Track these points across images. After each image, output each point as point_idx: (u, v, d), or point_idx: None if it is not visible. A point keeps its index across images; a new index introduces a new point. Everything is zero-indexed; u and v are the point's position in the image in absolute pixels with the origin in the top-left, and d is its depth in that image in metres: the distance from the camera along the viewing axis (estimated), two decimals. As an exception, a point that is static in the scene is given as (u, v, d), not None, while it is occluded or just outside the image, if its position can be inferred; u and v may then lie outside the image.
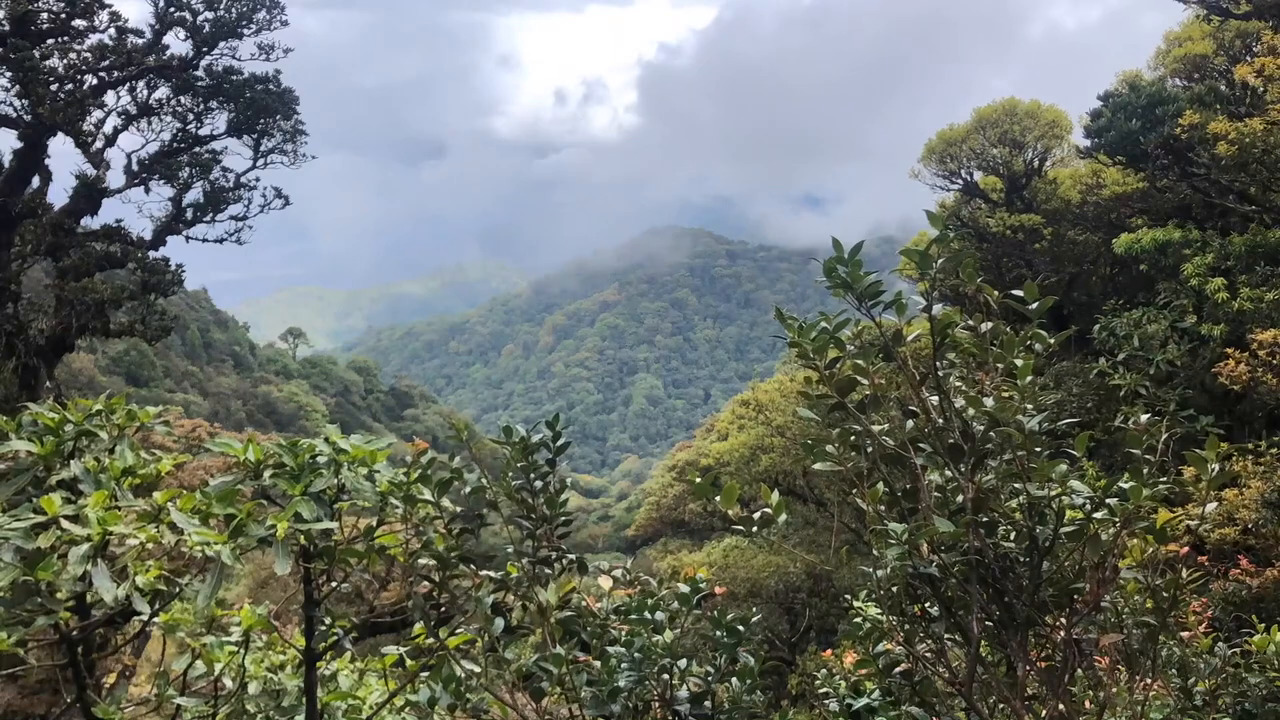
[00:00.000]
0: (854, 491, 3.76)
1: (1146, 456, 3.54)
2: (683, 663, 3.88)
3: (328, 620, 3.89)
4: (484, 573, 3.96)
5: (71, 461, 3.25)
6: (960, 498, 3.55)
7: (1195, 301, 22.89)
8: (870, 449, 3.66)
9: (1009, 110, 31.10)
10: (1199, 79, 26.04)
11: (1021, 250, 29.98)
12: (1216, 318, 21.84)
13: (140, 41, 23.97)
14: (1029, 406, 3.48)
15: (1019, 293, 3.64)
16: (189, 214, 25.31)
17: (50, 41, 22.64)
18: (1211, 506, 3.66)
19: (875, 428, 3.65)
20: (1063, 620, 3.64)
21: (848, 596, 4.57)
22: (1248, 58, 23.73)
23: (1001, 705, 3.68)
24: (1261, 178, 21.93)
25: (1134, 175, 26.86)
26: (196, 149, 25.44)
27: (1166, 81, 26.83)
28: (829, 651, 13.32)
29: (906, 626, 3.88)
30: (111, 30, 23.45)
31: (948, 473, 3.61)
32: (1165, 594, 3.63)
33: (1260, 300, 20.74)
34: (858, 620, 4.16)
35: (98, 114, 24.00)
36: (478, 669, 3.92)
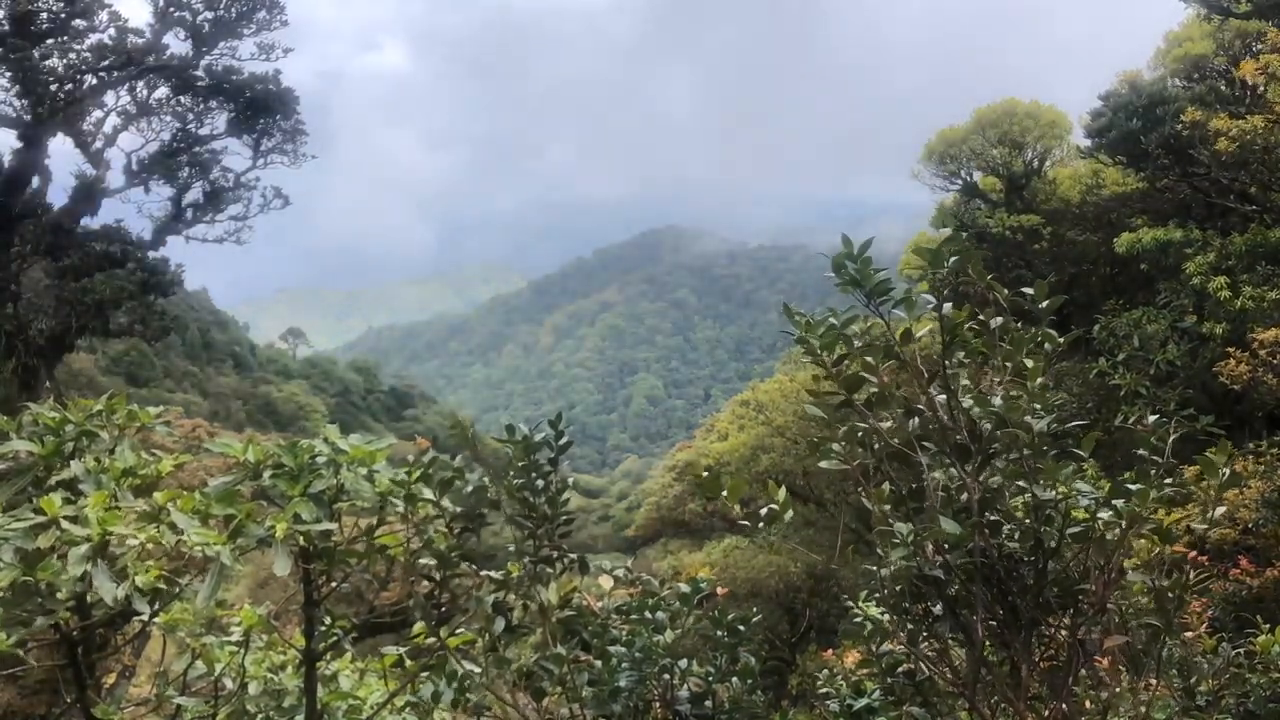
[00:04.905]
0: (858, 490, 3.75)
1: (1154, 458, 3.52)
2: (683, 663, 3.88)
3: (328, 620, 3.88)
4: (485, 572, 3.96)
5: (72, 462, 3.24)
6: (965, 497, 3.54)
7: (1195, 301, 22.89)
8: (877, 447, 3.65)
9: (1009, 111, 31.10)
10: (1199, 79, 26.05)
11: (1021, 251, 29.98)
12: (1217, 317, 21.83)
13: (140, 41, 23.95)
14: (1037, 407, 3.46)
15: (1029, 290, 3.62)
16: (189, 214, 25.31)
17: (50, 41, 22.62)
18: (1220, 510, 3.64)
19: (882, 425, 3.64)
20: (1067, 621, 3.63)
21: (847, 597, 4.56)
22: (1248, 57, 23.73)
23: (1004, 705, 3.67)
24: (1262, 176, 21.93)
25: (1134, 175, 26.87)
26: (196, 149, 25.42)
27: (1167, 81, 26.84)
28: (830, 651, 13.31)
29: (909, 626, 3.87)
30: (111, 30, 23.44)
31: (953, 472, 3.60)
32: (1171, 594, 3.62)
33: (1261, 299, 20.73)
34: (858, 620, 4.15)
35: (97, 114, 24.02)
36: (478, 669, 3.92)
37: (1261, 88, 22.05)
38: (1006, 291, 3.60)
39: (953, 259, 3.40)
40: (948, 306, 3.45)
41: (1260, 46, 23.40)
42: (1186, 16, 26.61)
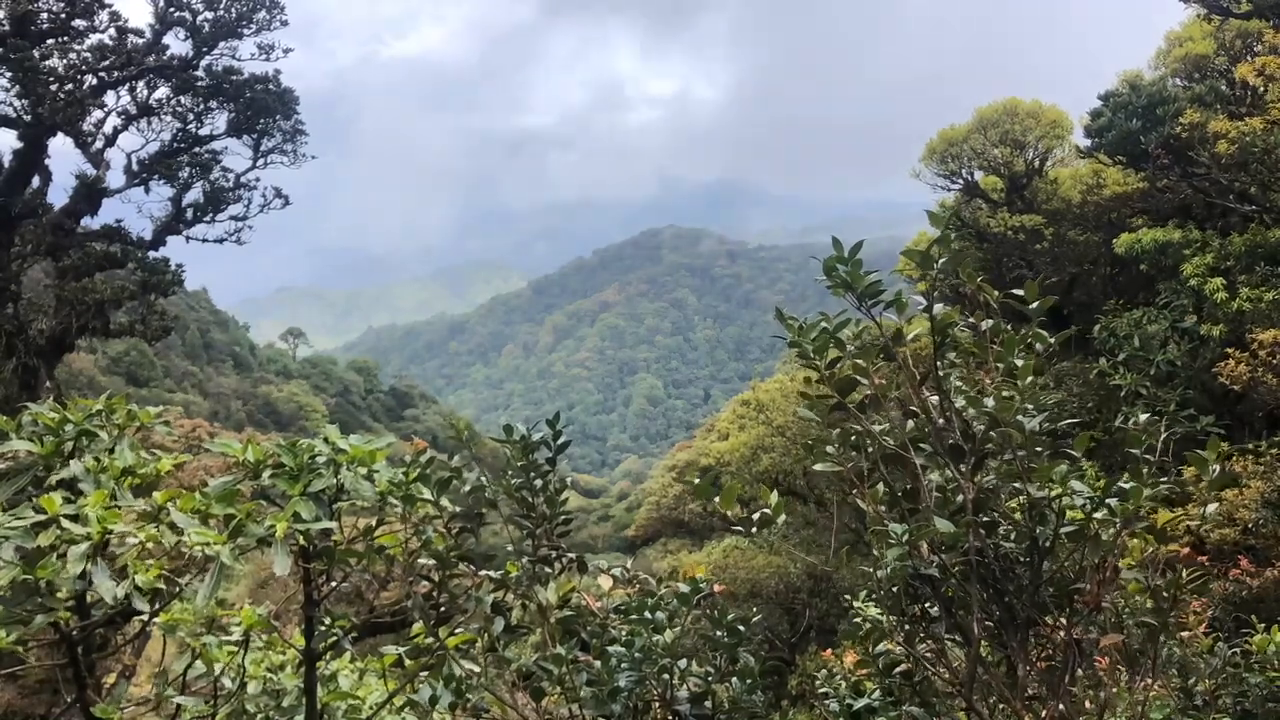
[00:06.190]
0: (854, 491, 3.76)
1: (1146, 457, 3.53)
2: (683, 663, 3.88)
3: (327, 620, 3.89)
4: (484, 572, 3.96)
5: (71, 461, 3.25)
6: (960, 498, 3.55)
7: (1195, 301, 22.88)
8: (871, 449, 3.66)
9: (1010, 110, 31.08)
10: (1199, 79, 26.03)
11: (1022, 250, 29.97)
12: (1216, 318, 21.83)
13: (140, 41, 23.97)
14: (1029, 406, 3.47)
15: (1019, 292, 3.64)
16: (189, 214, 25.33)
17: (50, 41, 22.64)
18: (1213, 507, 3.65)
19: (875, 427, 3.65)
20: (1063, 620, 3.64)
21: (848, 597, 4.57)
22: (1248, 57, 23.72)
23: (1001, 705, 3.68)
24: (1262, 177, 21.92)
25: (1134, 175, 26.85)
26: (196, 149, 25.44)
27: (1167, 81, 26.82)
28: (829, 651, 13.31)
29: (907, 627, 3.87)
30: (111, 30, 23.46)
31: (948, 472, 3.61)
32: (1166, 594, 3.63)
33: (1260, 300, 20.73)
34: (858, 620, 4.15)
35: (98, 114, 24.04)
36: (478, 669, 3.92)
37: (1261, 89, 22.04)
38: (997, 293, 3.61)
39: (943, 260, 3.41)
40: (939, 307, 3.46)
41: (1259, 48, 23.40)
42: (1187, 16, 26.61)
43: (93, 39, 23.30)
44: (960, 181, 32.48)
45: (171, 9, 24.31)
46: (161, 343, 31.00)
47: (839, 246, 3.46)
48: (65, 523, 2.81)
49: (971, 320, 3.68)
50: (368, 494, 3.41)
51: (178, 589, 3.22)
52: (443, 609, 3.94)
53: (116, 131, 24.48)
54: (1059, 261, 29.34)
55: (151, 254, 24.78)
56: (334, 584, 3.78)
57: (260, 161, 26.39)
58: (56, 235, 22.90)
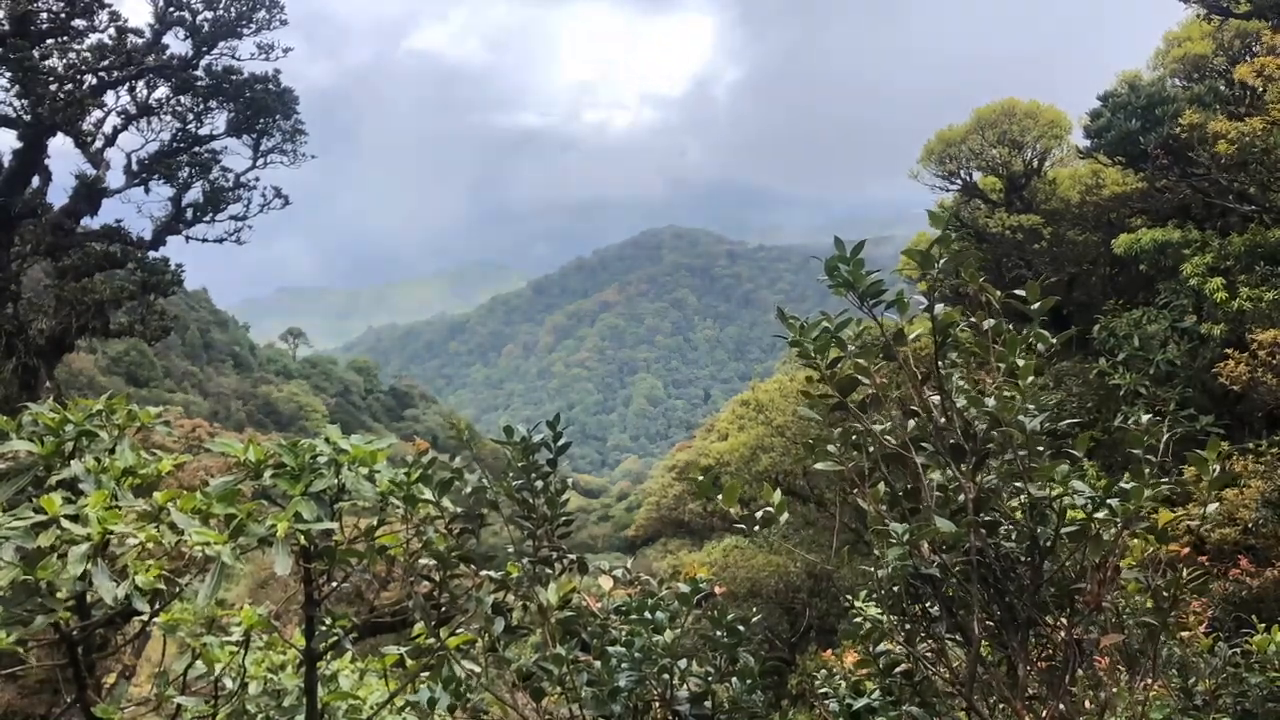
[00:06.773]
0: (855, 491, 3.76)
1: (1148, 457, 3.53)
2: (683, 663, 3.88)
3: (328, 620, 3.89)
4: (484, 573, 3.96)
5: (72, 461, 3.24)
6: (962, 497, 3.55)
7: (1195, 301, 22.88)
8: (872, 448, 3.66)
9: (1008, 111, 31.07)
10: (1198, 79, 26.03)
11: (1021, 250, 29.97)
12: (1216, 318, 21.84)
13: (140, 41, 23.97)
14: (1030, 406, 3.47)
15: (1021, 292, 3.64)
16: (189, 214, 25.32)
17: (50, 41, 22.63)
18: (1213, 507, 3.66)
19: (877, 427, 3.65)
20: (1064, 620, 3.64)
21: (848, 597, 4.57)
22: (1247, 57, 23.72)
23: (1002, 705, 3.68)
24: (1261, 177, 21.92)
25: (1133, 175, 26.85)
26: (196, 149, 25.44)
27: (1166, 82, 26.82)
28: (829, 651, 13.32)
29: (907, 626, 3.87)
30: (111, 30, 23.45)
31: (949, 472, 3.61)
32: (1166, 594, 3.63)
33: (1260, 300, 20.74)
34: (858, 620, 4.15)
35: (97, 114, 24.03)
36: (478, 669, 3.92)
37: (1261, 89, 22.05)
38: (999, 293, 3.61)
39: (943, 260, 3.41)
40: (940, 307, 3.46)
41: (1258, 48, 23.41)
42: (1186, 16, 26.60)
43: (92, 39, 23.31)
44: (959, 182, 32.48)
45: (171, 9, 24.30)
46: (161, 343, 31.03)
47: (841, 246, 3.46)
48: (65, 523, 2.81)
49: (973, 320, 3.67)
50: (369, 494, 3.40)
51: (178, 589, 3.22)
52: (443, 609, 3.94)
53: (116, 131, 24.48)
54: (1058, 261, 29.34)
55: (151, 254, 24.79)
56: (335, 584, 3.78)
57: (260, 161, 26.40)
58: (56, 235, 22.90)
